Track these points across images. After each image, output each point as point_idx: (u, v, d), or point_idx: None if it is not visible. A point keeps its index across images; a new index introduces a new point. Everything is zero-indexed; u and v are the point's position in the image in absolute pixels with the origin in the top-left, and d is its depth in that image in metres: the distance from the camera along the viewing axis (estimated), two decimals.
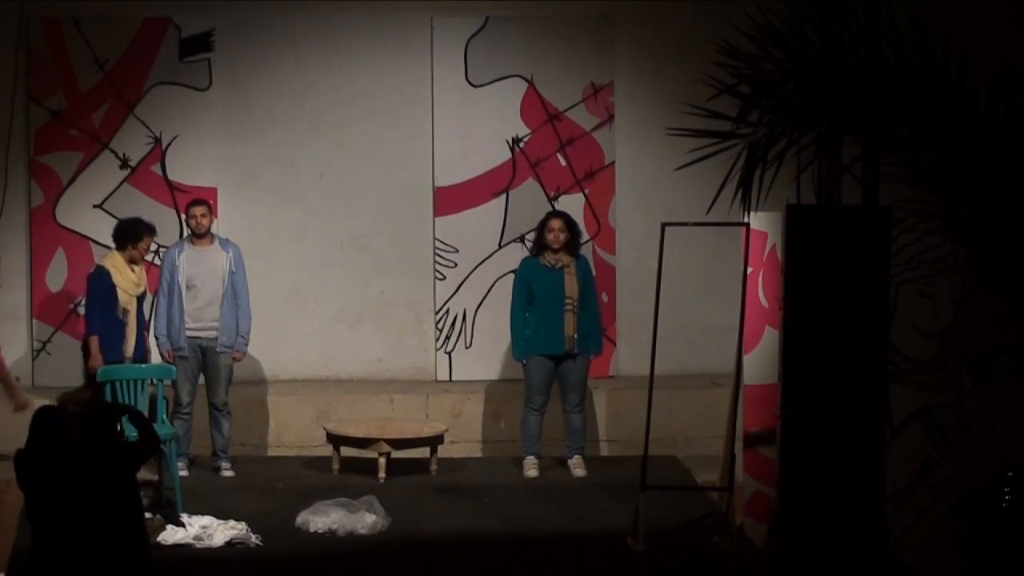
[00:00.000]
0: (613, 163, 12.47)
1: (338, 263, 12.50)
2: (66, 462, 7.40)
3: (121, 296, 10.94)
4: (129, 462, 7.52)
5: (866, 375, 8.00)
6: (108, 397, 10.27)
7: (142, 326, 11.14)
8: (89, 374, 10.81)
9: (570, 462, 11.21)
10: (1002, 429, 8.63)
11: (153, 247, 12.08)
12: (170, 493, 10.19)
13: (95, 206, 12.16)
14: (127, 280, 10.97)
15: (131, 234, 11.04)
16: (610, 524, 9.99)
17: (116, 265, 10.95)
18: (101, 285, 10.91)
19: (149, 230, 11.12)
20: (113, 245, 11.11)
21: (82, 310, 12.09)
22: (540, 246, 11.16)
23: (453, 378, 12.46)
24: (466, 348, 12.50)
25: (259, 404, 11.85)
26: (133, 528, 7.46)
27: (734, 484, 9.59)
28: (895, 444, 8.52)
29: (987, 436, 8.65)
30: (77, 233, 12.15)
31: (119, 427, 7.62)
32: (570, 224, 11.17)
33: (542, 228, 11.18)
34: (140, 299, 11.12)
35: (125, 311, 10.97)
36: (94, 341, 10.87)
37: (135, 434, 7.81)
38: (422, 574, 9.41)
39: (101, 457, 7.42)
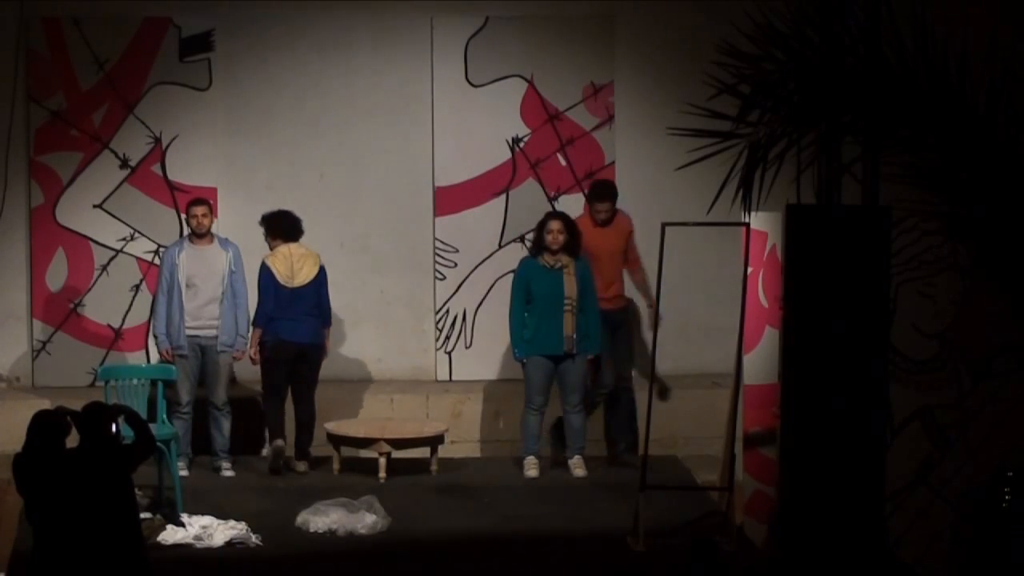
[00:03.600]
0: (613, 163, 12.46)
1: (338, 263, 12.47)
2: (63, 465, 7.40)
3: None
4: (125, 462, 7.52)
5: (866, 375, 8.00)
6: (107, 397, 10.29)
7: None
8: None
9: (570, 462, 11.20)
10: (1002, 429, 8.64)
11: (152, 247, 12.11)
12: (170, 493, 10.18)
13: (95, 206, 12.16)
14: None
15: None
16: (610, 524, 9.98)
17: None
18: None
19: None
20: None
21: (82, 310, 12.11)
22: (539, 247, 11.16)
23: (453, 378, 12.46)
24: (466, 348, 12.49)
25: (259, 404, 11.83)
26: (129, 529, 7.46)
27: (734, 484, 9.59)
28: (895, 444, 8.52)
29: (987, 436, 8.66)
30: (77, 233, 12.15)
31: (115, 427, 7.62)
32: (569, 225, 11.16)
33: (541, 229, 11.17)
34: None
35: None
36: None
37: (131, 434, 7.80)
38: (422, 574, 9.41)
39: (97, 458, 7.42)
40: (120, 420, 7.73)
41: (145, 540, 7.80)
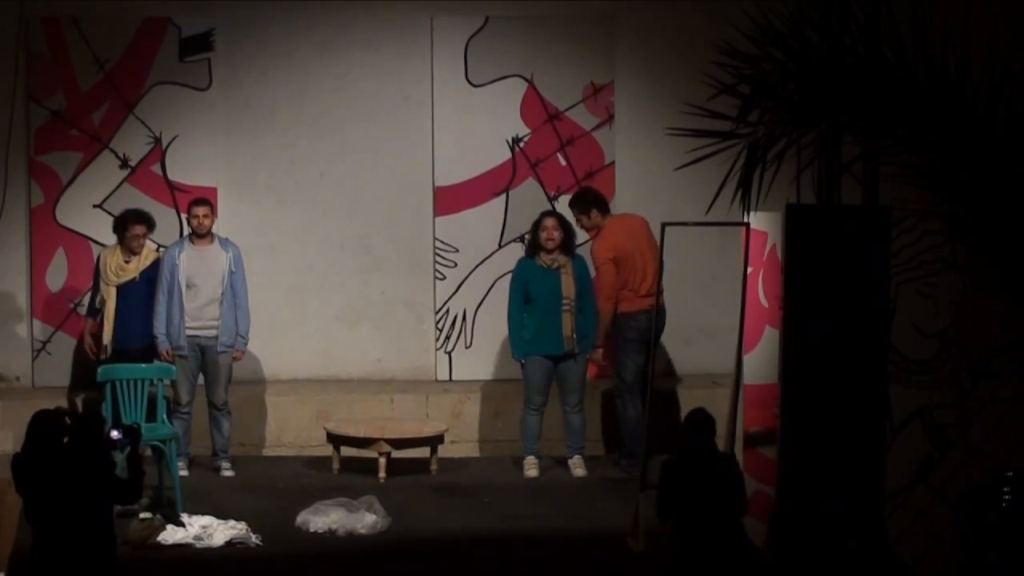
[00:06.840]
0: (613, 163, 12.46)
1: (338, 263, 12.50)
2: (62, 465, 7.40)
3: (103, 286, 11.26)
4: (107, 479, 7.52)
5: (866, 375, 8.00)
6: (108, 397, 10.30)
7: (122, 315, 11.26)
8: None
9: (570, 462, 11.21)
10: (1002, 429, 8.63)
11: (152, 245, 12.09)
12: (170, 493, 10.19)
13: (95, 206, 12.16)
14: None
15: (117, 224, 11.27)
16: (610, 524, 9.98)
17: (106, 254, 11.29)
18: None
19: (135, 218, 11.19)
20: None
21: (82, 310, 12.11)
22: (535, 247, 11.16)
23: (453, 378, 12.46)
24: (466, 348, 12.49)
25: (259, 404, 11.85)
26: (104, 530, 7.48)
27: None
28: (895, 444, 8.51)
29: (987, 436, 8.65)
30: (77, 233, 12.15)
31: (113, 436, 7.65)
32: (563, 223, 11.17)
33: (536, 229, 11.17)
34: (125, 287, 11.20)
35: (103, 300, 11.24)
36: None
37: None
38: (422, 574, 9.42)
39: (85, 460, 7.43)
40: (115, 434, 7.73)
41: (116, 543, 7.75)
